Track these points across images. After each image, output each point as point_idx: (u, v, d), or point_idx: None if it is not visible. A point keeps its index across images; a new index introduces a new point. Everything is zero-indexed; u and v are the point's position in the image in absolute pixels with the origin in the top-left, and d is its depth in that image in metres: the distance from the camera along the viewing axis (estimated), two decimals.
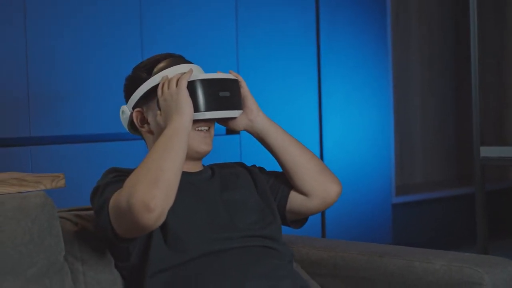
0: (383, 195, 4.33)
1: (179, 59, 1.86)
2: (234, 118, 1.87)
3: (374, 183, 4.26)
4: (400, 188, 4.92)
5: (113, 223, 1.63)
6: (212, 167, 1.91)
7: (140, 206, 1.55)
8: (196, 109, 1.75)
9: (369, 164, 4.23)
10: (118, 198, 1.61)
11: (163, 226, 1.69)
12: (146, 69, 1.84)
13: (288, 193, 1.91)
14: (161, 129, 1.75)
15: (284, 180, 1.92)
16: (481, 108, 3.35)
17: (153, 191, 1.56)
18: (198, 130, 1.80)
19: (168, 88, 1.75)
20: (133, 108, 1.84)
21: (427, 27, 5.31)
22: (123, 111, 1.86)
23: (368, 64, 4.24)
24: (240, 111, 1.85)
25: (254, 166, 1.98)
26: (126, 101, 1.87)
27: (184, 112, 1.72)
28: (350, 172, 4.07)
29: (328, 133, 4.03)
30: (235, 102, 1.82)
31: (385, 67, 4.35)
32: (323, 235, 4.00)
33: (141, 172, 1.60)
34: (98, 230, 1.72)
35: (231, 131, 3.54)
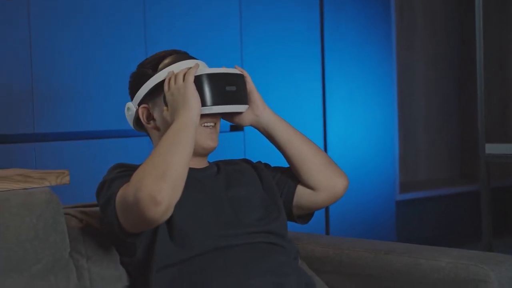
0: (387, 192, 4.32)
1: (183, 55, 1.86)
2: (240, 113, 1.87)
3: (378, 180, 4.25)
4: (404, 185, 4.92)
5: (120, 217, 1.63)
6: (217, 164, 1.90)
7: (147, 199, 1.55)
8: (203, 103, 1.75)
9: (373, 161, 4.23)
10: (125, 192, 1.61)
11: (169, 222, 1.68)
12: (152, 66, 1.84)
13: (295, 188, 1.91)
14: (167, 125, 1.75)
15: (290, 175, 1.92)
16: (486, 105, 3.34)
17: (161, 184, 1.56)
18: (204, 126, 1.80)
19: (175, 82, 1.75)
20: (139, 104, 1.84)
21: (431, 26, 5.30)
22: (128, 108, 1.86)
23: (372, 62, 4.23)
24: (246, 106, 1.85)
25: (259, 162, 1.97)
26: (131, 98, 1.87)
27: (192, 106, 1.72)
28: (354, 169, 4.06)
29: (332, 130, 4.02)
30: (242, 96, 1.82)
31: (389, 65, 4.34)
32: (327, 232, 4.00)
33: (148, 166, 1.60)
34: (104, 225, 1.72)
35: (235, 128, 3.54)
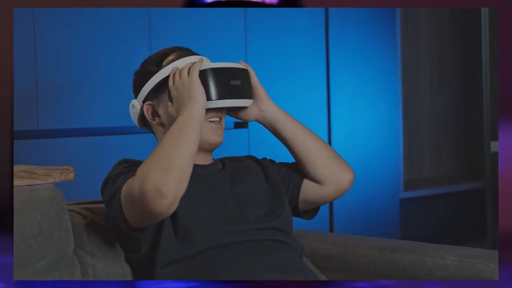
0: (391, 190, 4.31)
1: (187, 52, 1.86)
2: (245, 108, 1.86)
3: (382, 177, 4.25)
4: (408, 183, 4.91)
5: (125, 211, 1.63)
6: (222, 161, 1.90)
7: (152, 192, 1.54)
8: (208, 97, 1.74)
9: (377, 158, 4.22)
10: (130, 186, 1.60)
11: (173, 218, 1.68)
12: (156, 63, 1.84)
13: (301, 183, 1.91)
14: (172, 121, 1.74)
15: (296, 170, 1.92)
16: (491, 103, 3.33)
17: (166, 177, 1.55)
18: (209, 121, 1.80)
19: (180, 77, 1.75)
20: (143, 101, 1.83)
21: (436, 24, 5.29)
22: (133, 105, 1.86)
23: (377, 59, 4.22)
24: (251, 100, 1.84)
25: (264, 158, 1.97)
26: (136, 96, 1.86)
27: (197, 100, 1.71)
28: (358, 167, 4.04)
29: (337, 127, 4.02)
30: (246, 91, 1.82)
31: (394, 62, 4.33)
32: (331, 230, 3.99)
33: (153, 160, 1.60)
34: (109, 221, 1.72)
35: (239, 125, 3.53)
